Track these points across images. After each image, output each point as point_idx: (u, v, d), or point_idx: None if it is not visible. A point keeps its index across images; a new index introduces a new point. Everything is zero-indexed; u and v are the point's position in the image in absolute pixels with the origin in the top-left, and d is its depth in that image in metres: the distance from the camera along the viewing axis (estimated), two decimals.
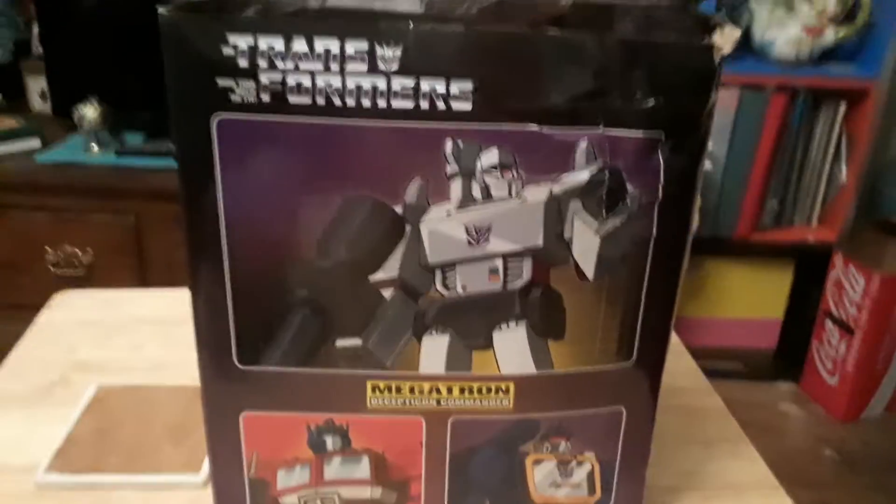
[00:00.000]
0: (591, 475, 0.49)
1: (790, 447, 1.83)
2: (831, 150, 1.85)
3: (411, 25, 0.36)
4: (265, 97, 0.37)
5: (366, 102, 0.37)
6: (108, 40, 1.70)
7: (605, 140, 0.39)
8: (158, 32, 0.36)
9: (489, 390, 0.45)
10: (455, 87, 0.37)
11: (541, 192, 0.40)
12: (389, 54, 0.37)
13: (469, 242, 0.41)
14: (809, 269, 2.00)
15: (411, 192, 0.40)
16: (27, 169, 1.62)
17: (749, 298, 2.10)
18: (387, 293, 0.42)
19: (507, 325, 0.43)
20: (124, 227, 1.62)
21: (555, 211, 0.41)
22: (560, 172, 0.40)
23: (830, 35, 1.71)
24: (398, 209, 0.40)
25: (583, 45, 0.37)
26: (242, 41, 0.36)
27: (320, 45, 0.36)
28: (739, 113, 1.77)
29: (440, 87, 0.37)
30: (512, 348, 0.44)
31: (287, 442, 0.46)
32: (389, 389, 0.45)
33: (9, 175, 1.61)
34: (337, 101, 0.37)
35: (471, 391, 0.45)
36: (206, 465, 0.56)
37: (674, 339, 0.46)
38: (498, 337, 0.43)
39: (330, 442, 0.46)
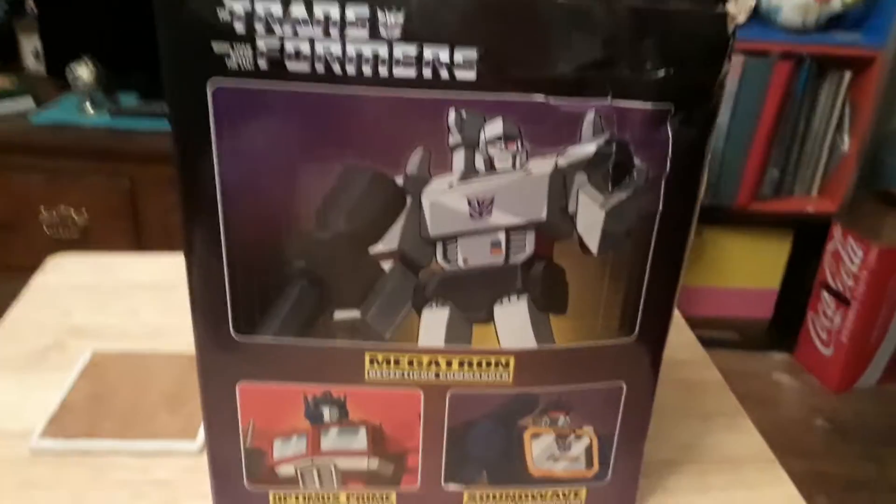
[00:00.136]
0: (589, 449, 0.49)
1: (783, 417, 1.85)
2: (834, 119, 1.84)
3: None
4: (262, 64, 0.36)
5: (367, 70, 0.36)
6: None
7: (612, 111, 0.38)
8: None
9: (489, 364, 0.44)
10: (459, 55, 0.36)
11: (546, 165, 0.39)
12: (391, 20, 0.35)
13: (471, 215, 0.40)
14: (807, 239, 2.00)
15: (413, 162, 0.39)
16: (22, 129, 1.61)
17: (746, 268, 2.10)
18: (386, 265, 0.41)
19: (509, 299, 0.43)
20: (119, 189, 1.61)
21: (559, 184, 0.40)
22: (566, 144, 0.39)
23: (838, 1, 1.68)
24: (399, 180, 0.39)
25: (591, 12, 0.36)
26: (239, 5, 0.35)
27: (320, 10, 0.35)
28: (743, 80, 1.75)
29: (444, 55, 0.36)
30: (513, 322, 0.43)
31: (284, 413, 0.46)
32: (388, 362, 0.44)
33: (2, 135, 1.59)
34: (337, 69, 0.36)
35: (470, 364, 0.44)
36: (201, 433, 0.56)
37: (675, 313, 0.45)
38: (499, 311, 0.43)
39: (327, 413, 0.46)
